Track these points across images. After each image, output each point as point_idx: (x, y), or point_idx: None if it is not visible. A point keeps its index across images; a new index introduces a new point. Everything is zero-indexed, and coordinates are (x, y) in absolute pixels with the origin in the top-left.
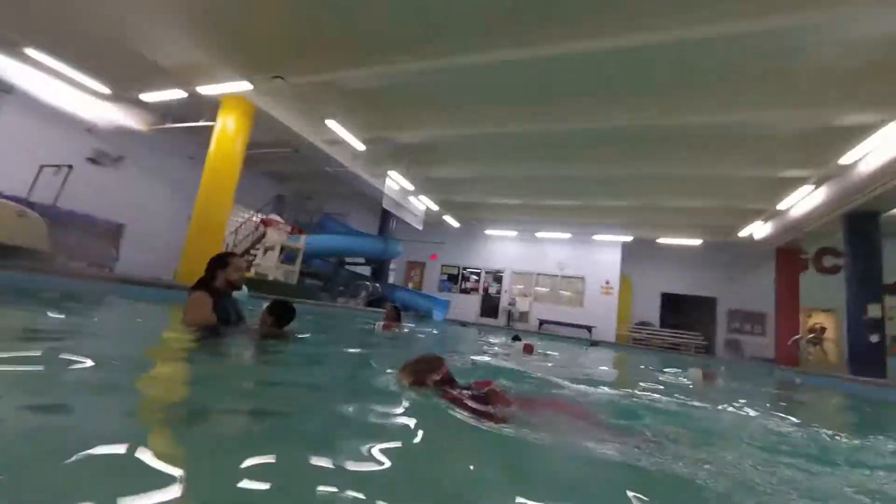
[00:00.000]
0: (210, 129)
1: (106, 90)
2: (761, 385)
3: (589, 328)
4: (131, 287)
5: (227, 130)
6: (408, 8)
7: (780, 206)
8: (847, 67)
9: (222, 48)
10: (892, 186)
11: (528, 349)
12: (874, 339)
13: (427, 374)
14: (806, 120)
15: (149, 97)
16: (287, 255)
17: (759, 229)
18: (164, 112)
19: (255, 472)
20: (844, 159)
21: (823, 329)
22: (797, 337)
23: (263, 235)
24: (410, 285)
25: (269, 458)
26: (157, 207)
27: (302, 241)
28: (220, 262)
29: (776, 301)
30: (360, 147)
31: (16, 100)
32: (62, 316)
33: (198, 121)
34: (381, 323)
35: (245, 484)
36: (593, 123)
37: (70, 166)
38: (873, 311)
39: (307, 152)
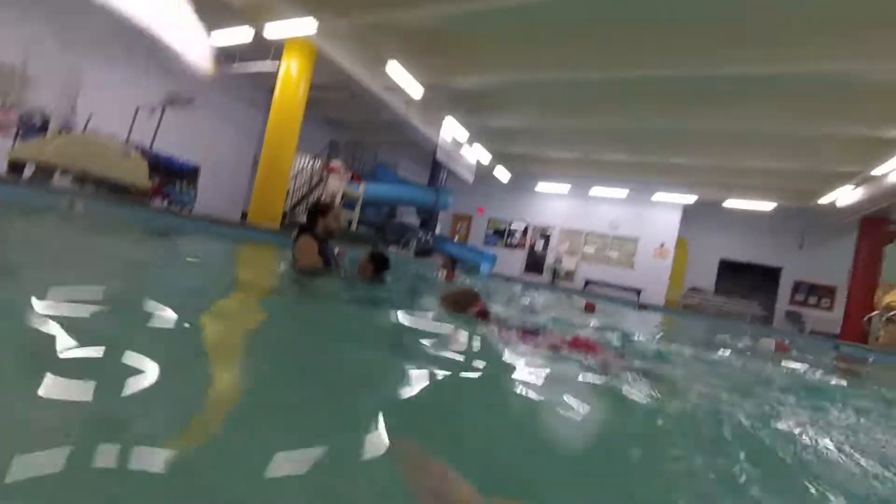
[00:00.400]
0: (271, 74)
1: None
2: (829, 359)
3: (638, 291)
4: (215, 225)
5: (291, 74)
6: None
7: (877, 171)
8: None
9: None
10: None
11: (590, 308)
12: None
13: (466, 305)
14: None
15: (218, 38)
16: (346, 203)
17: (846, 195)
18: (229, 56)
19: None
20: None
21: None
22: (873, 314)
23: (321, 181)
24: (456, 238)
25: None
26: (223, 150)
27: (361, 190)
28: (321, 210)
29: (851, 274)
30: (419, 92)
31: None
32: (195, 252)
33: (262, 64)
34: (444, 272)
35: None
36: (668, 70)
37: (164, 108)
38: None
39: (363, 98)
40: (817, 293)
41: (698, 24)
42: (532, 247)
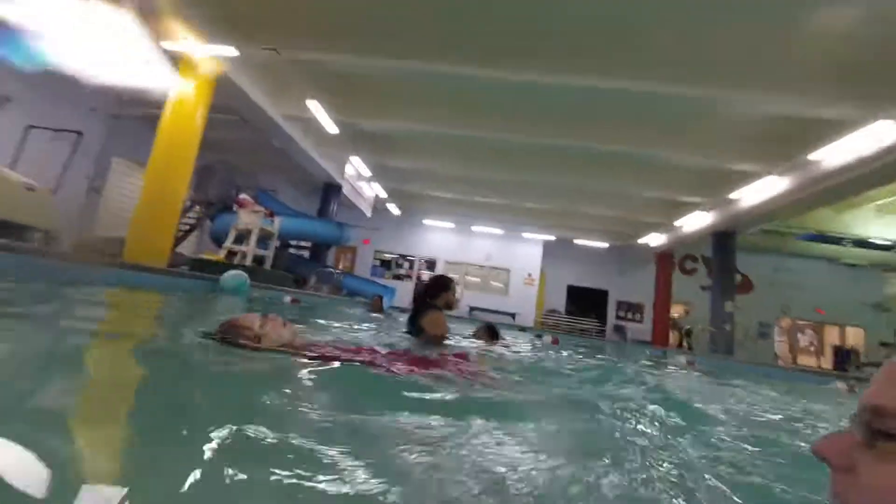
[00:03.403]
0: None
1: None
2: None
3: (513, 315)
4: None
5: (186, 96)
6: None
7: (676, 223)
8: (744, 132)
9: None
10: (755, 216)
11: (556, 342)
12: (727, 327)
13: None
14: (706, 162)
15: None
16: (260, 240)
17: (655, 238)
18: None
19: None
20: (733, 195)
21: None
22: (701, 327)
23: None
24: (341, 268)
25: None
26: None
27: (277, 225)
28: (444, 285)
29: (655, 294)
30: (334, 129)
31: None
32: None
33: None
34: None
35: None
36: (535, 138)
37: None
38: (728, 307)
39: (254, 122)
40: (633, 309)
41: (557, 110)
42: (419, 277)
